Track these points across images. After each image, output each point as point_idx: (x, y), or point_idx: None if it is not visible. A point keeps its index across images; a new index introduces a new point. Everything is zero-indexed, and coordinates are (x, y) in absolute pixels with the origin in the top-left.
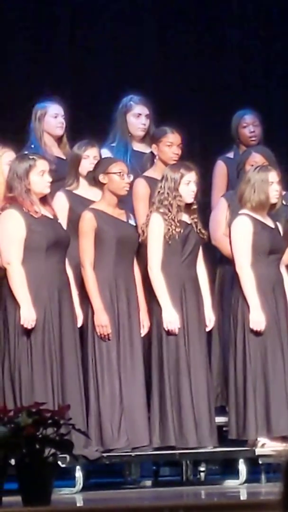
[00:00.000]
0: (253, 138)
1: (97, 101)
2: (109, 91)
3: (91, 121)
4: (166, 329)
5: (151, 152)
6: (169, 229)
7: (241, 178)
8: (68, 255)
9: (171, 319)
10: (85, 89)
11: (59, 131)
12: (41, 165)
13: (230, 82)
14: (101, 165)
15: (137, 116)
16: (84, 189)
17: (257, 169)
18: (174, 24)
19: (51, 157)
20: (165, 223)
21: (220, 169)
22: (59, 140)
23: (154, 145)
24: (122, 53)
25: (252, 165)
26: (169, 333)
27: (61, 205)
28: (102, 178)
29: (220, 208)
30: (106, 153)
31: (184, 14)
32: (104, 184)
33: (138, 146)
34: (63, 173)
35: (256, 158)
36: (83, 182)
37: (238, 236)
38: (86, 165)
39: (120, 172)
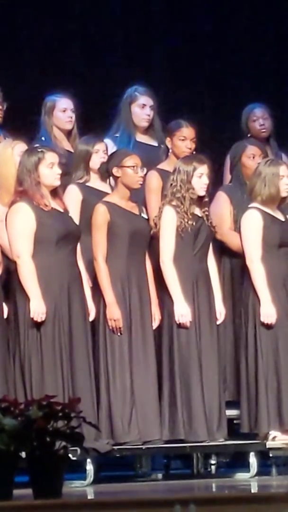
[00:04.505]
0: (263, 131)
1: (108, 93)
2: (120, 83)
3: (101, 114)
4: (178, 322)
5: (166, 145)
6: (181, 221)
7: (237, 171)
8: (83, 248)
9: (183, 312)
10: (96, 82)
11: (68, 126)
12: (50, 158)
13: (241, 76)
14: (115, 158)
15: (141, 106)
16: (95, 182)
17: (268, 163)
18: (184, 17)
19: (61, 150)
20: (178, 216)
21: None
22: (68, 133)
23: (168, 138)
24: (132, 45)
25: (249, 157)
26: (180, 326)
27: (74, 198)
28: (115, 171)
29: (222, 203)
30: (108, 143)
31: (195, 6)
32: (118, 177)
33: (142, 138)
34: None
35: (253, 151)
36: (93, 176)
37: (248, 230)
38: (96, 160)
39: (134, 166)
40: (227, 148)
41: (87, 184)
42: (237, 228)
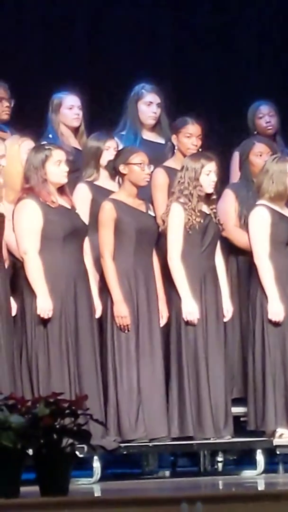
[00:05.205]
0: (270, 128)
1: (115, 90)
2: (127, 80)
3: (109, 111)
4: (186, 319)
5: (172, 142)
6: (189, 219)
7: (245, 169)
8: (91, 246)
9: (190, 310)
10: (103, 78)
11: (75, 123)
12: (57, 155)
13: (247, 72)
14: (122, 155)
15: (148, 104)
16: (104, 180)
17: (275, 160)
18: (190, 14)
19: (68, 147)
20: (186, 213)
21: (238, 161)
22: (75, 131)
23: (173, 135)
24: (139, 42)
25: (257, 155)
26: (188, 323)
27: (83, 197)
28: (122, 168)
29: (228, 200)
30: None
31: (201, 2)
32: (124, 174)
33: (148, 135)
34: (80, 164)
35: (260, 148)
36: (103, 173)
37: (256, 227)
38: (107, 157)
39: (140, 163)
40: (233, 145)
41: (97, 183)
42: (241, 224)
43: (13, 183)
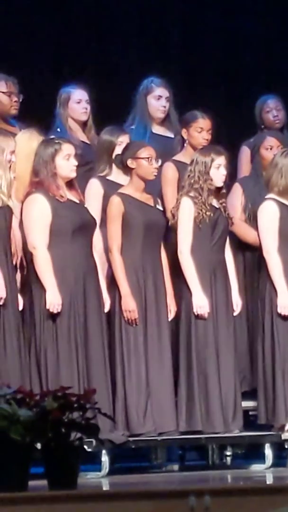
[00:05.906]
0: (277, 122)
1: (123, 84)
2: (134, 74)
3: (117, 105)
4: (196, 313)
5: (181, 136)
6: (199, 212)
7: (256, 162)
8: (102, 240)
9: (201, 303)
10: (111, 72)
11: (83, 117)
12: (67, 149)
13: (255, 67)
14: (130, 149)
15: (157, 98)
16: (116, 175)
17: (285, 154)
18: (198, 9)
19: (77, 141)
20: (196, 207)
21: (245, 155)
22: (83, 124)
23: (184, 129)
24: (147, 36)
25: (267, 149)
26: (198, 317)
27: (95, 192)
28: (130, 163)
29: (235, 194)
30: None
31: None
32: (132, 168)
33: (158, 129)
34: (88, 157)
35: (271, 142)
36: (115, 168)
37: (265, 221)
38: (120, 152)
39: (148, 157)
40: (241, 139)
41: (109, 177)
42: (246, 218)
43: (24, 180)
